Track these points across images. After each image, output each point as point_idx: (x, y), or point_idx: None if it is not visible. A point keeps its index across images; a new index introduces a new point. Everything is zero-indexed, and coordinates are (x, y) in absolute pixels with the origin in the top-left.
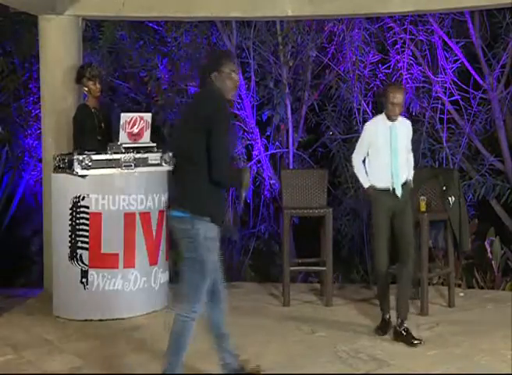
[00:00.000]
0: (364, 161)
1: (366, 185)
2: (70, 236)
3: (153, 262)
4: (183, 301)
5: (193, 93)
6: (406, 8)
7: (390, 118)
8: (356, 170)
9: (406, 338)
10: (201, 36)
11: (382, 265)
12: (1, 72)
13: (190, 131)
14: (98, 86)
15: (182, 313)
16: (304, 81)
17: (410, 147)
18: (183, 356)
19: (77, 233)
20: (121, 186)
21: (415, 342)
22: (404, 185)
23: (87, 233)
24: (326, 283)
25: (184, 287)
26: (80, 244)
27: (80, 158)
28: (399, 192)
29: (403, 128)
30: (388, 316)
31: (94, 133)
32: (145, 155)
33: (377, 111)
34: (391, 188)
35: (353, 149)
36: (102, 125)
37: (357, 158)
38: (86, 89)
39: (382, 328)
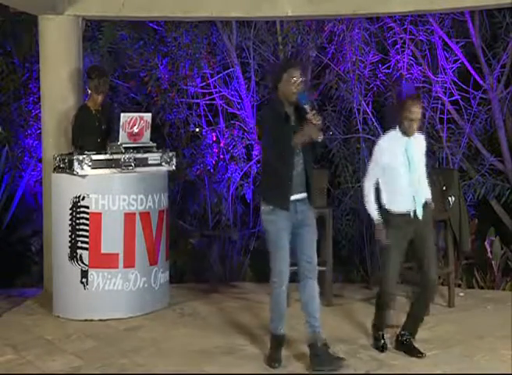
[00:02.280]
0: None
1: (377, 220)
2: (70, 236)
3: (153, 262)
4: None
5: None
6: (406, 8)
7: (407, 134)
8: (367, 201)
9: (408, 348)
10: (201, 36)
11: (391, 287)
12: (1, 72)
13: None
14: (101, 99)
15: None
16: (303, 81)
17: (425, 162)
18: (280, 318)
19: (77, 233)
20: (121, 186)
21: (420, 356)
22: (425, 206)
23: (87, 234)
24: (326, 283)
25: None
26: (79, 244)
27: (80, 158)
28: (420, 214)
29: (418, 143)
30: (384, 332)
31: (93, 134)
32: (145, 155)
33: (377, 111)
34: (412, 212)
35: (353, 148)
36: (103, 126)
37: (369, 185)
38: (89, 91)
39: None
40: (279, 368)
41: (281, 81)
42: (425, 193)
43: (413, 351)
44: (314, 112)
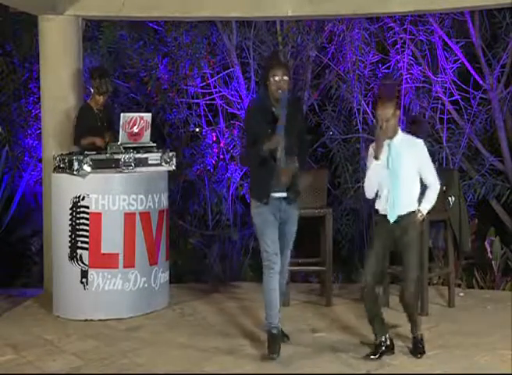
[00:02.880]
0: None
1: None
2: (70, 236)
3: (153, 262)
4: None
5: None
6: (406, 8)
7: (387, 136)
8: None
9: (412, 347)
10: (201, 36)
11: (369, 274)
12: (1, 72)
13: None
14: (103, 99)
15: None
16: (304, 81)
17: (427, 171)
18: (271, 310)
19: (77, 233)
20: (121, 186)
21: (418, 355)
22: (405, 217)
23: (87, 233)
24: (326, 283)
25: None
26: (79, 244)
27: (80, 158)
28: (392, 219)
29: (409, 148)
30: (382, 340)
31: (95, 134)
32: (145, 155)
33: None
34: (388, 216)
35: (353, 148)
36: (104, 125)
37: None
38: (91, 90)
39: (375, 353)
40: (277, 359)
41: (268, 79)
42: (410, 204)
43: (415, 350)
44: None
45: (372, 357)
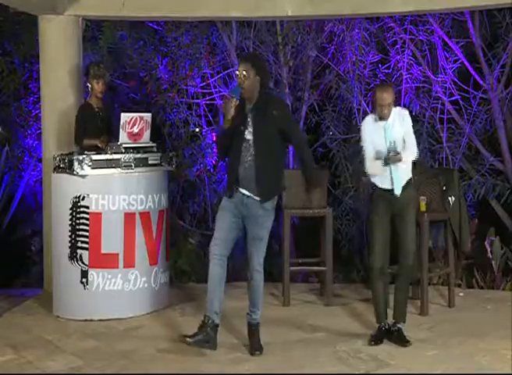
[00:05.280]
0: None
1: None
2: (70, 236)
3: (153, 262)
4: None
5: None
6: (406, 8)
7: (383, 118)
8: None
9: (397, 338)
10: (201, 36)
11: (376, 261)
12: (1, 72)
13: None
14: (101, 86)
15: None
16: (304, 81)
17: (408, 140)
18: (210, 300)
19: (77, 233)
20: (121, 186)
21: (406, 344)
22: (405, 188)
23: (87, 233)
24: (326, 283)
25: None
26: (79, 244)
27: (80, 158)
28: (398, 193)
29: (398, 121)
30: (383, 325)
31: (95, 134)
32: (145, 155)
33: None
34: (390, 190)
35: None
36: (104, 126)
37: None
38: (89, 86)
39: (377, 336)
40: (192, 345)
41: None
42: (405, 173)
43: (402, 341)
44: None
45: (372, 343)
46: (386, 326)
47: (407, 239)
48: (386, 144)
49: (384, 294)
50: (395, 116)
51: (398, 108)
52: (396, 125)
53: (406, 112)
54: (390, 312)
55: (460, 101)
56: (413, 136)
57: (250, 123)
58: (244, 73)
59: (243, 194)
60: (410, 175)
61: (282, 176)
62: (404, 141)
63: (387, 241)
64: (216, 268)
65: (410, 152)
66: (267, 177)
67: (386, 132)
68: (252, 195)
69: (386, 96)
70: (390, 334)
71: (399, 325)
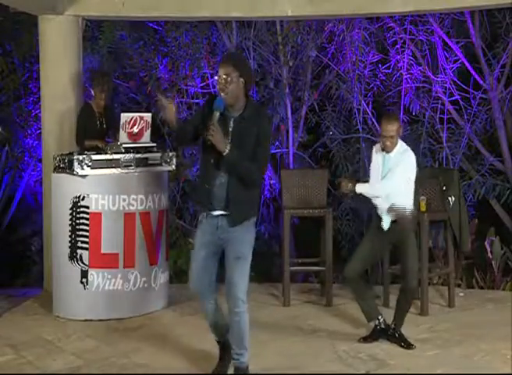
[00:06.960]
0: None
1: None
2: (70, 236)
3: (153, 262)
4: None
5: None
6: (406, 8)
7: (385, 150)
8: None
9: (399, 340)
10: (201, 36)
11: (351, 270)
12: (1, 72)
13: None
14: (104, 96)
15: None
16: (303, 81)
17: (391, 174)
18: (212, 328)
19: (77, 233)
20: (121, 186)
21: (411, 347)
22: (395, 221)
23: (87, 233)
24: (326, 283)
25: None
26: (80, 244)
27: (80, 158)
28: (385, 227)
29: (398, 162)
30: (378, 324)
31: (95, 134)
32: (145, 155)
33: (377, 111)
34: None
35: (353, 148)
36: (104, 127)
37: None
38: (92, 91)
39: (371, 335)
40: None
41: None
42: (391, 208)
43: (405, 343)
44: (212, 127)
45: (363, 340)
46: (382, 326)
47: (407, 261)
48: (381, 175)
49: (365, 294)
50: (398, 153)
51: (408, 149)
52: (394, 163)
53: (410, 157)
54: (391, 312)
55: (460, 101)
56: (395, 176)
57: (229, 134)
58: (225, 76)
59: (217, 216)
60: (406, 207)
61: (258, 195)
62: (404, 184)
63: (371, 257)
64: (208, 307)
65: (377, 188)
66: (238, 196)
67: (384, 167)
68: (229, 216)
69: (390, 128)
70: (391, 336)
71: (399, 331)
